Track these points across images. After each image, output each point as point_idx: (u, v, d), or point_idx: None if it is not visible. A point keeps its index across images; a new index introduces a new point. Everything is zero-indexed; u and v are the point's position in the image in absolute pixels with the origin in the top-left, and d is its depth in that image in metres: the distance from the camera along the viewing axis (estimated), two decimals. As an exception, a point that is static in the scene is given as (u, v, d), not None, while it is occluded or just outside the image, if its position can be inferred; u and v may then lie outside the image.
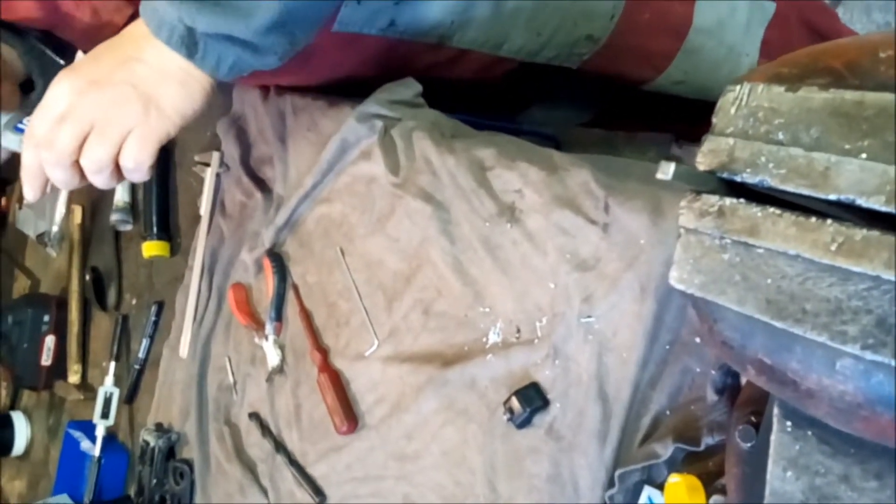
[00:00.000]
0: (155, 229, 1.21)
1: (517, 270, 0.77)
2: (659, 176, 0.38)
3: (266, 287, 1.00)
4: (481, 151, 0.83)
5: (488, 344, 0.78)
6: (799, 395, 0.39)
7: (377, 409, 0.86)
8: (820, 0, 1.20)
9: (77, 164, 0.70)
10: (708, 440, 0.62)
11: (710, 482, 0.60)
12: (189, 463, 1.05)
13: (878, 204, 0.34)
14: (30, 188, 0.73)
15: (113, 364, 1.23)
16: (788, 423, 0.43)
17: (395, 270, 0.87)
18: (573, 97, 1.16)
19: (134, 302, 1.28)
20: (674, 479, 0.61)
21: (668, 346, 0.68)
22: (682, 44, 1.03)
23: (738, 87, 0.41)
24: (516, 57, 0.97)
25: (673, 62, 1.04)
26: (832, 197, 0.36)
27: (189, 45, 0.66)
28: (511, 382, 0.75)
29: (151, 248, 1.20)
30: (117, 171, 0.71)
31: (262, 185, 1.06)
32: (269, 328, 0.98)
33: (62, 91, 0.68)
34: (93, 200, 1.38)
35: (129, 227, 1.30)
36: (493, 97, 1.08)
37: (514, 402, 0.73)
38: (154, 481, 1.07)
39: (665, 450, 0.63)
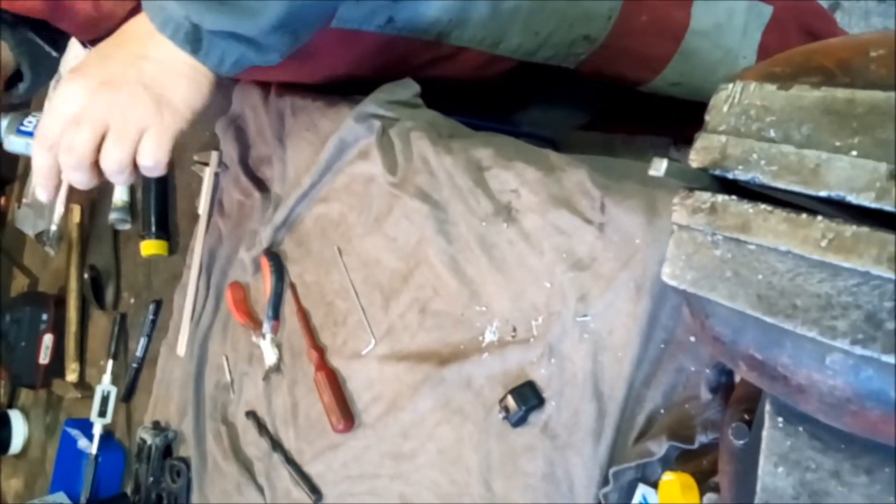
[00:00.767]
0: (153, 228, 1.21)
1: (513, 270, 0.78)
2: (651, 172, 0.39)
3: (264, 286, 1.00)
4: (478, 151, 0.83)
5: (484, 343, 0.79)
6: (789, 390, 0.39)
7: (373, 407, 0.86)
8: (817, 4, 1.20)
9: (96, 164, 0.71)
10: (702, 438, 0.62)
11: (704, 480, 0.61)
12: (186, 461, 1.05)
13: (867, 200, 0.35)
14: (43, 189, 0.73)
15: (111, 362, 1.23)
16: (780, 419, 0.44)
17: (393, 270, 0.88)
18: (570, 98, 1.17)
19: (132, 301, 1.28)
20: (668, 478, 0.61)
21: (662, 345, 0.68)
22: (679, 46, 1.03)
23: (730, 86, 0.41)
24: (514, 56, 0.98)
25: (669, 64, 1.05)
26: (822, 193, 0.36)
27: (193, 41, 0.67)
28: (507, 381, 0.76)
29: (150, 247, 1.20)
30: (135, 169, 0.72)
31: (261, 184, 1.06)
32: (266, 327, 0.98)
33: (74, 92, 0.68)
34: (91, 200, 1.39)
35: (127, 227, 1.30)
36: (490, 97, 1.08)
37: (510, 401, 0.74)
38: (151, 479, 1.08)
39: (659, 448, 0.64)
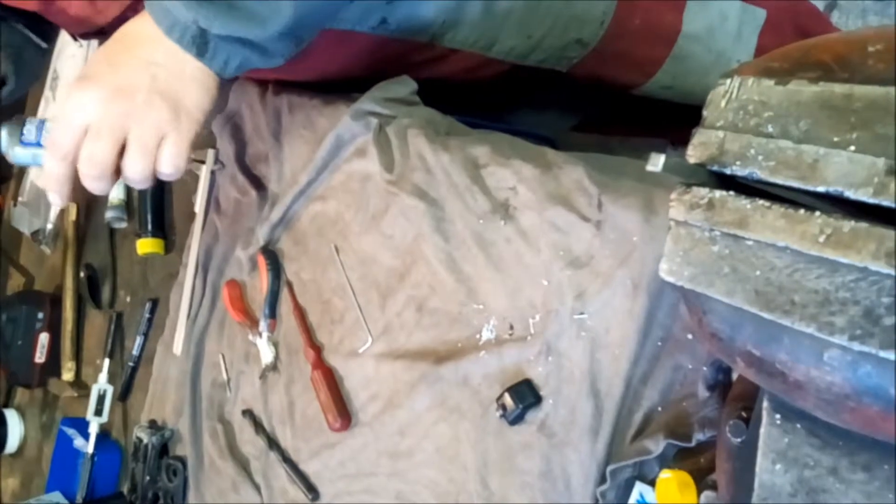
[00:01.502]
0: (149, 227, 1.21)
1: (510, 267, 0.78)
2: (649, 168, 0.39)
3: (260, 284, 1.00)
4: (475, 149, 0.83)
5: (481, 341, 0.79)
6: (787, 386, 0.39)
7: (370, 406, 0.86)
8: (812, 5, 1.20)
9: (115, 171, 0.71)
10: (699, 436, 0.62)
11: (702, 478, 0.61)
12: (182, 460, 1.05)
13: (865, 196, 0.35)
14: (58, 196, 0.73)
15: (107, 361, 1.23)
16: (777, 416, 0.43)
17: (389, 267, 0.88)
18: (563, 101, 1.17)
19: (128, 299, 1.28)
20: (665, 475, 0.61)
21: (660, 343, 0.68)
22: (671, 50, 1.03)
23: (728, 81, 0.41)
24: (506, 59, 0.98)
25: (661, 68, 1.05)
26: (820, 189, 0.36)
27: (200, 44, 0.67)
28: (504, 379, 0.75)
29: (146, 246, 1.20)
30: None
31: (257, 182, 1.06)
32: (263, 325, 0.98)
33: (87, 101, 0.68)
34: (87, 198, 1.38)
35: (123, 225, 1.29)
36: (482, 99, 1.08)
37: (507, 399, 0.73)
38: (147, 478, 1.07)
39: (656, 446, 0.63)
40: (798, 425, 0.43)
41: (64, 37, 1.53)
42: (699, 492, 0.60)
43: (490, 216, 0.79)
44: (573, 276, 0.72)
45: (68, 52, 1.51)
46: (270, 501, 0.94)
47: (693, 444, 0.62)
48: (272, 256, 0.99)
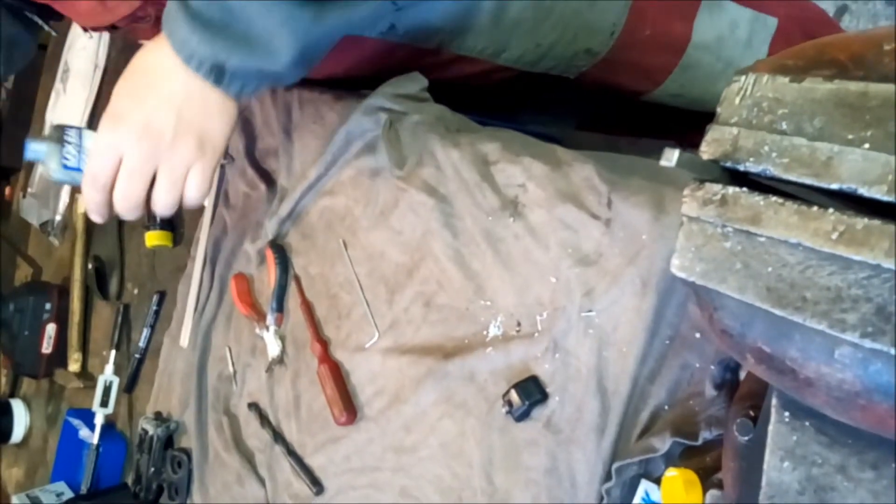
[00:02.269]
0: (158, 219, 1.21)
1: (519, 264, 0.78)
2: (662, 163, 0.39)
3: (268, 278, 1.00)
4: (485, 146, 0.83)
5: (488, 337, 0.79)
6: (797, 383, 0.39)
7: (376, 400, 0.86)
8: (822, 13, 1.20)
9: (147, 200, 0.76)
10: (706, 435, 0.62)
11: (708, 477, 0.61)
12: (187, 452, 1.05)
13: (880, 194, 0.35)
14: (98, 217, 0.77)
15: (113, 353, 1.23)
16: (786, 414, 0.43)
17: (398, 263, 0.88)
18: (569, 102, 1.17)
19: (135, 291, 1.28)
20: (671, 474, 0.61)
21: (667, 342, 0.68)
22: (681, 59, 1.03)
23: (742, 78, 0.41)
24: (515, 66, 0.98)
25: (670, 76, 1.05)
26: (834, 186, 0.36)
27: (217, 74, 0.70)
28: (510, 376, 0.76)
29: (154, 238, 1.20)
30: None
31: (267, 176, 1.06)
32: (270, 319, 0.98)
33: (119, 140, 0.72)
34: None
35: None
36: (489, 101, 1.08)
37: (513, 396, 0.73)
38: (152, 470, 1.08)
39: (663, 444, 0.63)
40: (807, 423, 0.43)
41: (75, 29, 1.54)
42: (705, 490, 0.60)
43: (499, 213, 0.80)
44: (582, 274, 0.72)
45: (79, 45, 1.52)
46: (275, 494, 0.94)
47: (699, 442, 0.62)
48: (280, 250, 0.99)
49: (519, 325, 0.77)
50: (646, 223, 0.69)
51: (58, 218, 1.46)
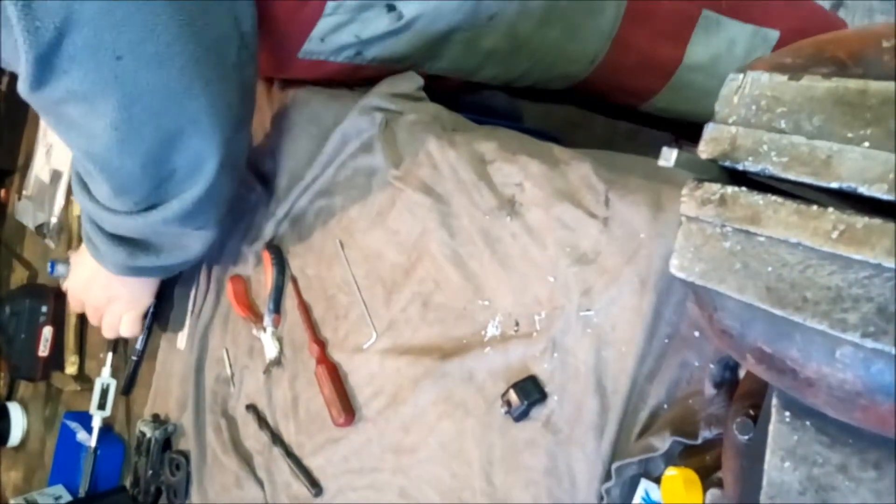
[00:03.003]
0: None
1: (517, 264, 0.77)
2: (661, 162, 0.38)
3: (265, 279, 1.00)
4: (482, 145, 0.83)
5: (487, 337, 0.78)
6: (798, 383, 0.39)
7: (374, 401, 0.86)
8: (829, 18, 1.17)
9: None
10: (705, 434, 0.62)
11: (707, 476, 0.60)
12: (185, 454, 1.05)
13: (880, 192, 0.34)
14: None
15: (110, 355, 1.23)
16: (787, 414, 0.43)
17: (395, 263, 0.87)
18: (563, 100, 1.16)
19: (132, 294, 1.27)
20: (671, 473, 0.61)
21: (666, 340, 0.68)
22: (670, 81, 1.01)
23: (740, 76, 0.41)
24: (491, 83, 0.98)
25: (657, 95, 1.03)
26: (834, 185, 0.36)
27: (134, 270, 0.94)
28: (509, 375, 0.75)
29: (150, 240, 1.20)
30: None
31: (263, 177, 1.06)
32: (267, 320, 0.98)
33: (76, 284, 1.07)
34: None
35: (128, 219, 1.29)
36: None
37: (512, 395, 0.73)
38: (150, 472, 1.07)
39: (662, 443, 0.63)
40: (807, 423, 0.43)
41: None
42: (705, 490, 0.60)
43: (496, 212, 0.79)
44: (580, 273, 0.72)
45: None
46: (274, 496, 0.94)
47: (699, 441, 0.62)
48: (277, 252, 0.99)
49: (517, 324, 0.77)
50: (644, 222, 0.69)
51: (53, 220, 1.45)
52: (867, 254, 0.34)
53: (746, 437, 0.51)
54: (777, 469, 0.43)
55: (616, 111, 1.19)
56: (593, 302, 0.71)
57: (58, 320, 1.35)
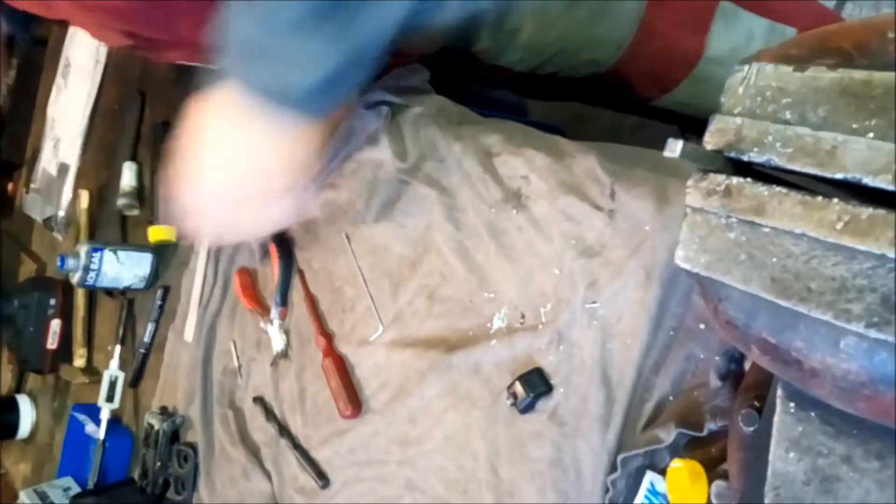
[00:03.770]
0: (161, 214, 1.21)
1: (522, 256, 0.78)
2: (666, 154, 0.38)
3: (272, 272, 1.00)
4: (488, 138, 0.83)
5: (493, 329, 0.79)
6: (802, 374, 0.39)
7: (381, 393, 0.86)
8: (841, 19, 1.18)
9: None
10: (711, 426, 0.62)
11: (713, 467, 0.60)
12: (193, 446, 1.06)
13: (884, 183, 0.34)
14: None
15: (118, 348, 1.24)
16: (792, 405, 0.43)
17: (401, 256, 0.88)
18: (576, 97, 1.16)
19: (140, 287, 1.28)
20: (676, 464, 0.61)
21: (672, 333, 0.68)
22: (692, 72, 1.01)
23: (746, 68, 0.41)
24: (514, 69, 0.97)
25: (680, 85, 1.03)
26: (838, 176, 0.36)
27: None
28: (515, 368, 0.76)
29: (158, 233, 1.20)
30: None
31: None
32: (274, 313, 0.98)
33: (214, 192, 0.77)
34: (100, 185, 1.39)
35: (135, 212, 1.30)
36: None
37: (518, 388, 0.74)
38: (158, 464, 1.08)
39: (668, 435, 0.63)
40: (812, 413, 0.43)
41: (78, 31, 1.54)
42: (710, 481, 0.60)
43: (502, 205, 0.79)
44: (585, 266, 0.72)
45: (80, 40, 1.52)
46: (281, 488, 0.94)
47: (704, 433, 0.62)
48: (284, 244, 0.99)
49: (523, 317, 0.77)
50: (649, 214, 0.69)
51: (61, 213, 1.46)
52: (871, 244, 0.34)
53: (751, 429, 0.51)
54: (782, 460, 0.43)
55: (622, 106, 1.19)
56: (599, 294, 0.71)
57: (66, 313, 1.36)
